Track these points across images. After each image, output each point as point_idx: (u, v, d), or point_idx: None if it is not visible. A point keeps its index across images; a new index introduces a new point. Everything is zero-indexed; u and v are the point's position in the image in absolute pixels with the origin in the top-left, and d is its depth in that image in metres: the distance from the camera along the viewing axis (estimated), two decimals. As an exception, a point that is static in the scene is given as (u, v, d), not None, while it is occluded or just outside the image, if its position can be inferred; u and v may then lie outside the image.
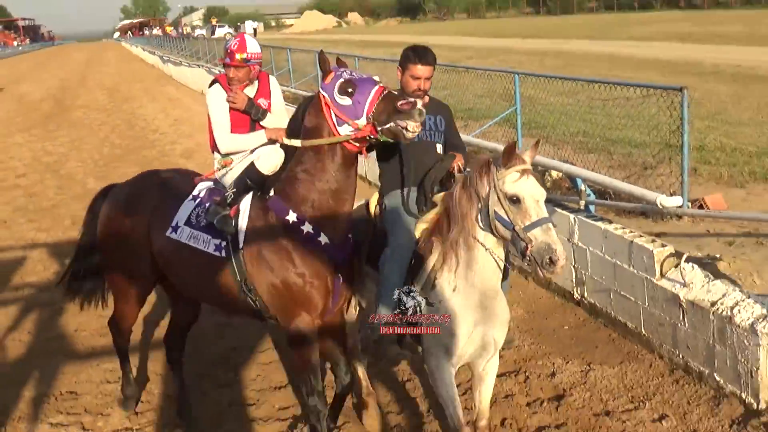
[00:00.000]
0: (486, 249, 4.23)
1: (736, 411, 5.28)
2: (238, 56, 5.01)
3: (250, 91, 5.24)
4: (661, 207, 7.41)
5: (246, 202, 4.71)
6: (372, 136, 4.25)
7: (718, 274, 6.10)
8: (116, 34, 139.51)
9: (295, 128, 4.54)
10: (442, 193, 4.57)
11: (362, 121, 4.19)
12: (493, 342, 4.48)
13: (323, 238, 4.51)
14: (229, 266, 4.65)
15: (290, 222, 4.50)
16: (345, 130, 4.26)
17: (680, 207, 7.60)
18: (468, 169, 4.64)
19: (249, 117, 5.13)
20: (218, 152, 5.19)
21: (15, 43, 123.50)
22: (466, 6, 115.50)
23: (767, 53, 26.07)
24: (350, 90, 4.20)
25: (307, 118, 4.44)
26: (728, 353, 5.39)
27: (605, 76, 18.41)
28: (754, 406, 5.21)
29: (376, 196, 5.08)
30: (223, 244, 4.67)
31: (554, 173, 9.56)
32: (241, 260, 4.60)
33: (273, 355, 6.75)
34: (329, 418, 4.97)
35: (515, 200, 3.99)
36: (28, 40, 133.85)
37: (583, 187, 7.74)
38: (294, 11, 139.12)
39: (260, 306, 4.71)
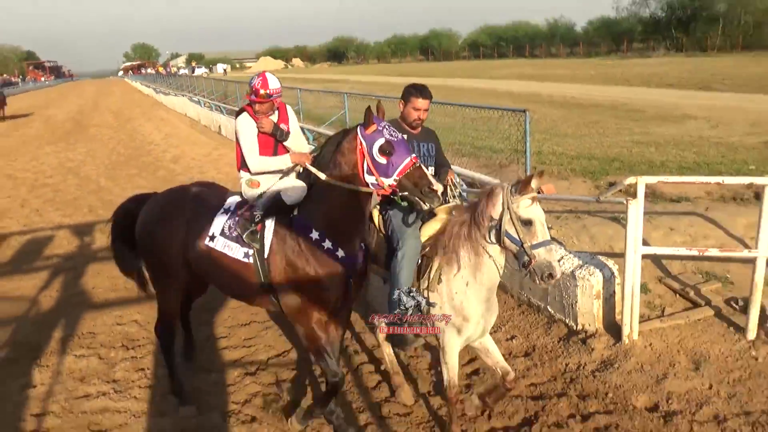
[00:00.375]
0: (491, 257, 3.83)
1: (562, 331, 5.43)
2: (262, 92, 4.36)
3: (273, 118, 4.56)
4: (511, 193, 7.58)
5: (271, 219, 4.16)
6: (390, 194, 3.80)
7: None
8: (120, 73, 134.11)
9: (322, 160, 3.97)
10: (444, 206, 4.14)
11: (389, 182, 3.67)
12: (486, 327, 4.18)
13: (340, 252, 3.98)
14: (254, 270, 4.14)
15: (313, 239, 3.98)
16: (370, 180, 3.74)
17: (525, 193, 7.79)
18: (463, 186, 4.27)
19: (272, 142, 4.48)
20: (245, 171, 4.49)
21: (42, 79, 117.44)
22: (377, 54, 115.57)
23: (584, 89, 26.92)
24: (388, 152, 3.65)
25: (340, 152, 3.84)
26: (557, 292, 5.52)
27: (475, 102, 18.60)
28: (574, 327, 5.37)
29: (376, 211, 4.46)
30: (251, 252, 4.14)
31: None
32: (266, 267, 4.10)
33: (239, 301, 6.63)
34: (320, 407, 4.36)
35: (527, 222, 3.61)
36: (52, 77, 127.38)
37: (457, 179, 7.84)
38: (252, 57, 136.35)
39: (276, 300, 4.24)
